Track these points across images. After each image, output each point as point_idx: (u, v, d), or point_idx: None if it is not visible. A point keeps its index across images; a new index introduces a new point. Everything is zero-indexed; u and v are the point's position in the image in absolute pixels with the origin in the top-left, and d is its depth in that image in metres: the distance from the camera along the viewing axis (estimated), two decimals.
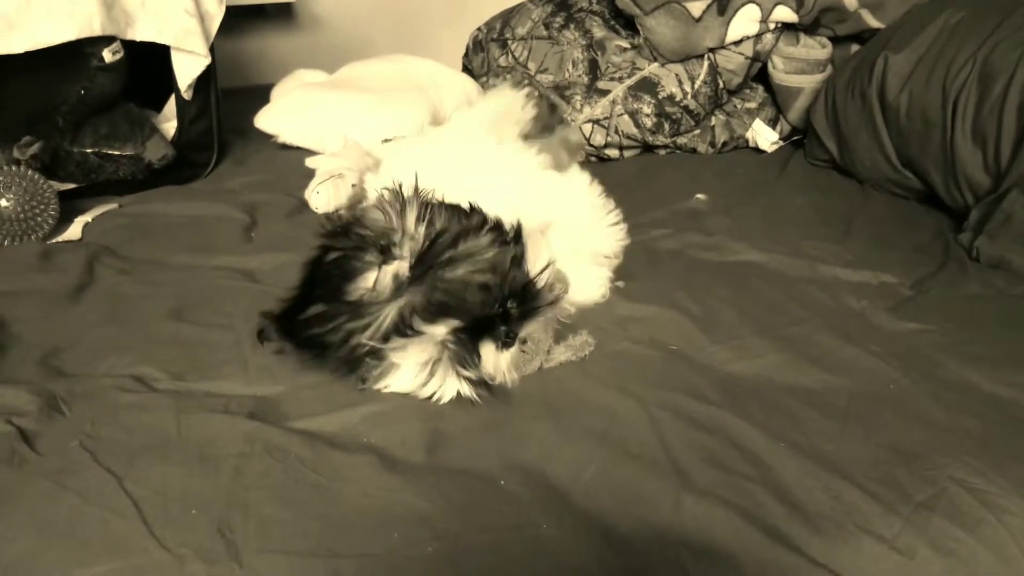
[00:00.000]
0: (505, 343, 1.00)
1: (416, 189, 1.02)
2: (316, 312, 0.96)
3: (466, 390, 0.97)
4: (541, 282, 1.03)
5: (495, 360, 1.00)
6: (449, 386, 0.97)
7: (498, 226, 1.03)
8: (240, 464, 0.87)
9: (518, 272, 1.02)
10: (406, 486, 0.85)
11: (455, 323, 0.95)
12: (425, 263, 0.95)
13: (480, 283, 0.97)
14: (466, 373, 0.97)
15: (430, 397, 0.98)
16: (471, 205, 1.03)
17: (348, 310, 0.95)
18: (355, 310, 0.95)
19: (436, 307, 0.94)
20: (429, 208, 0.99)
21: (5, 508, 0.80)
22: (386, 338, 0.94)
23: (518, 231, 1.04)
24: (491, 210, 1.04)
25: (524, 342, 1.03)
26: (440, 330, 0.95)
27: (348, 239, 0.98)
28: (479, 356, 0.98)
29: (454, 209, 1.02)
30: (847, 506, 0.84)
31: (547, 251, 1.08)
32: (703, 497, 0.84)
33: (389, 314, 0.94)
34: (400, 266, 0.95)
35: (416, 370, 0.97)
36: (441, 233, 0.97)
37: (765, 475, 0.88)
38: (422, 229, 0.97)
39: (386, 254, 0.96)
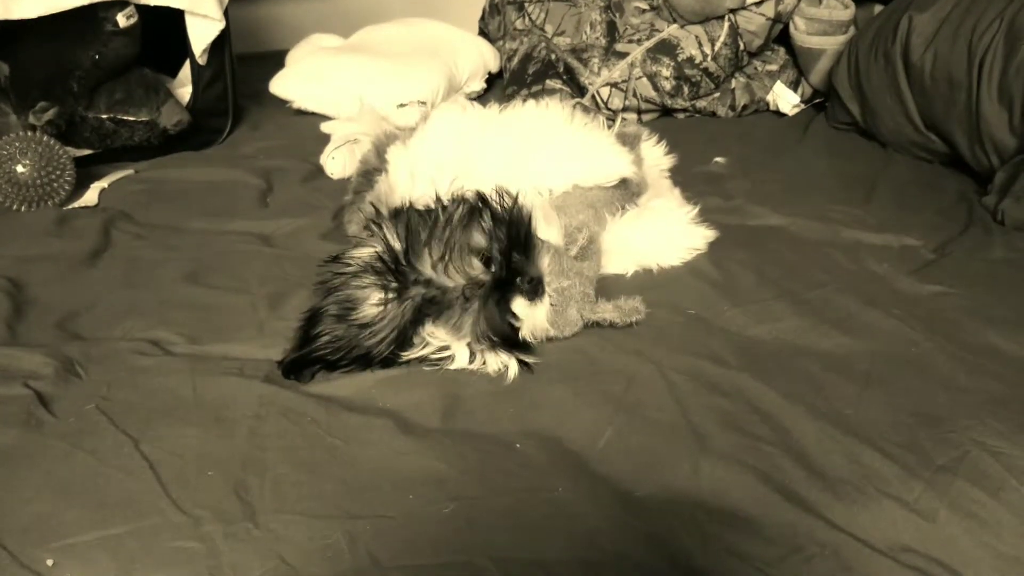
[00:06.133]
0: (531, 291, 1.00)
1: (391, 208, 1.04)
2: (327, 340, 0.97)
3: (514, 367, 0.98)
4: (530, 218, 1.03)
5: (532, 317, 1.00)
6: (505, 363, 0.98)
7: (483, 199, 1.03)
8: (256, 426, 0.88)
9: (508, 222, 1.01)
10: (422, 449, 0.85)
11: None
12: (413, 268, 0.97)
13: (476, 254, 0.98)
14: (507, 354, 0.98)
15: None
16: (439, 200, 1.04)
17: (358, 331, 0.97)
18: (363, 329, 0.97)
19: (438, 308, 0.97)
20: (406, 217, 1.00)
21: (22, 470, 0.81)
22: (399, 345, 0.98)
23: (514, 199, 1.04)
24: (471, 189, 1.05)
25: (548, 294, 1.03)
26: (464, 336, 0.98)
27: (344, 264, 1.00)
28: (517, 319, 0.99)
29: (434, 208, 1.02)
30: (867, 469, 0.83)
31: (554, 213, 1.09)
32: (721, 460, 0.84)
33: (397, 327, 0.96)
34: (397, 279, 0.97)
35: (470, 354, 0.99)
36: (415, 234, 0.98)
37: (784, 439, 0.87)
38: (401, 243, 0.98)
39: (380, 273, 0.97)
